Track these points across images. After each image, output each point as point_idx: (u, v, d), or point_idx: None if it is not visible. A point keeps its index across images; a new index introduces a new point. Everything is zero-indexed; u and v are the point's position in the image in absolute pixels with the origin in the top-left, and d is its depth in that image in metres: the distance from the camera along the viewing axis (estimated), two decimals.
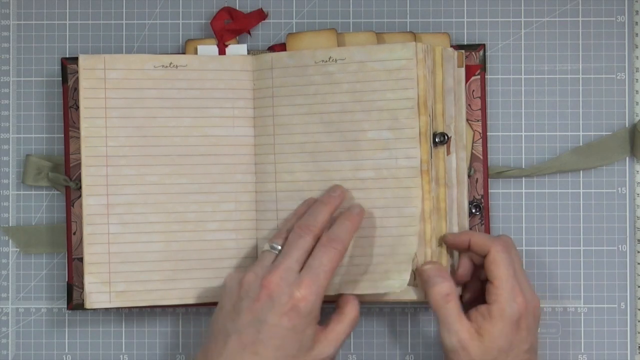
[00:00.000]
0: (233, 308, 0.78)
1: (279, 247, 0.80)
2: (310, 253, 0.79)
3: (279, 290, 0.77)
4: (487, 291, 0.80)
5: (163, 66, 0.86)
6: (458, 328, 0.79)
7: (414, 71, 0.83)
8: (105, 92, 0.86)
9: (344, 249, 0.80)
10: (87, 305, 0.85)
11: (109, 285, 0.85)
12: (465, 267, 0.84)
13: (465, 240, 0.82)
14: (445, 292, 0.80)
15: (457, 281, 0.84)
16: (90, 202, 0.85)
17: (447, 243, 0.84)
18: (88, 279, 0.85)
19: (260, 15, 0.89)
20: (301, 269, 0.78)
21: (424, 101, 0.83)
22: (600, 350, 0.89)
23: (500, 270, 0.80)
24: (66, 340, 0.90)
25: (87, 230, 0.85)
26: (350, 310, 0.81)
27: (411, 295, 0.84)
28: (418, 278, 0.83)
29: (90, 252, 0.85)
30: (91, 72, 0.85)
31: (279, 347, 0.76)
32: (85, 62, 0.85)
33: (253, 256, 0.87)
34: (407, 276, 0.82)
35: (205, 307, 0.89)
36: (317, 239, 0.80)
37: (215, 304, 0.86)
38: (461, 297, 0.85)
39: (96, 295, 0.85)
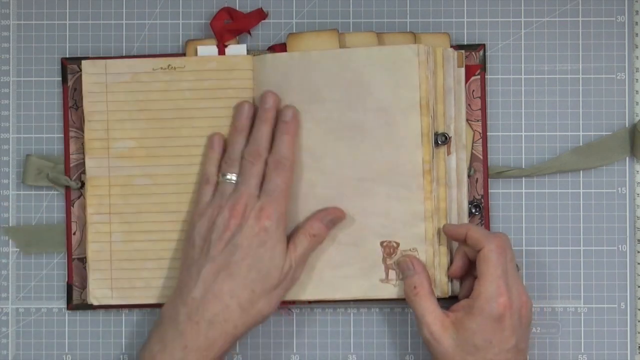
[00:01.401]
0: (204, 240, 0.82)
1: (234, 178, 0.83)
2: (263, 177, 0.82)
3: (246, 215, 0.81)
4: (474, 286, 0.81)
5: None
6: (429, 320, 0.81)
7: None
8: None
9: (292, 163, 0.83)
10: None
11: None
12: (458, 262, 0.84)
13: (462, 232, 0.83)
14: (413, 284, 0.82)
15: (450, 276, 0.85)
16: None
17: (446, 233, 0.84)
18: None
19: (260, 14, 0.89)
20: (259, 192, 0.82)
21: (426, 102, 0.83)
22: (600, 350, 0.89)
23: (488, 268, 0.80)
24: (66, 340, 0.90)
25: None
26: (318, 227, 0.83)
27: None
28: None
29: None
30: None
31: (252, 266, 0.80)
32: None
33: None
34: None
35: None
36: (265, 161, 0.83)
37: None
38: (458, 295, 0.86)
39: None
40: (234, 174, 0.83)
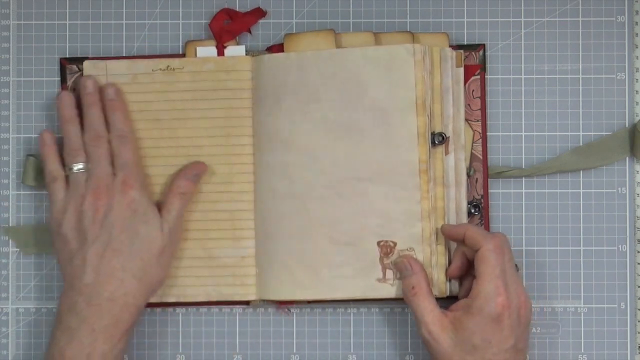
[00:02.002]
0: (77, 232, 0.83)
1: (82, 166, 0.84)
2: (111, 155, 0.84)
3: (110, 193, 0.83)
4: (472, 286, 0.81)
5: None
6: (427, 320, 0.81)
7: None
8: None
9: (132, 134, 0.85)
10: None
11: None
12: (457, 262, 0.84)
13: (460, 232, 0.83)
14: (410, 285, 0.82)
15: (449, 276, 0.85)
16: None
17: (444, 233, 0.84)
18: None
19: (259, 13, 0.89)
20: (113, 170, 0.84)
21: (422, 102, 0.83)
22: (600, 350, 0.89)
23: (486, 267, 0.80)
24: None
25: None
26: (185, 184, 0.85)
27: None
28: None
29: None
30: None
31: (132, 237, 0.82)
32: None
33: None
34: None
35: (205, 307, 0.89)
36: (108, 140, 0.84)
37: (216, 303, 0.86)
38: (457, 295, 0.86)
39: None
40: (81, 163, 0.84)
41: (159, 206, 0.85)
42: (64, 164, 0.85)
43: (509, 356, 0.80)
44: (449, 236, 0.84)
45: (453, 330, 0.80)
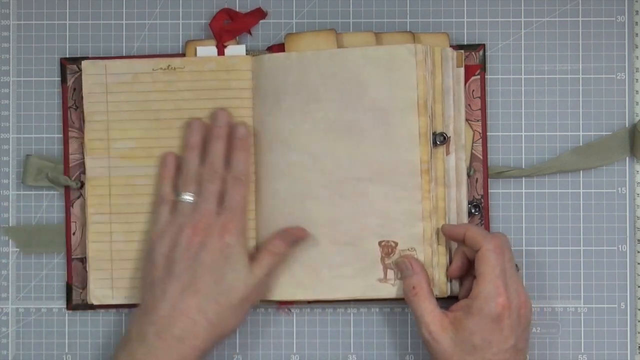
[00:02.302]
0: (166, 259, 0.82)
1: (191, 197, 0.83)
2: (222, 193, 0.83)
3: (209, 232, 0.82)
4: (473, 287, 0.81)
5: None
6: (428, 320, 0.81)
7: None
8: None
9: (249, 179, 0.85)
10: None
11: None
12: (457, 262, 0.84)
13: (461, 232, 0.83)
14: (412, 284, 0.82)
15: (450, 276, 0.85)
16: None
17: (444, 234, 0.84)
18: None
19: (259, 14, 0.89)
20: (218, 209, 0.83)
21: (423, 102, 0.83)
22: (600, 350, 0.89)
23: (486, 268, 0.80)
24: (66, 340, 0.90)
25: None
26: (280, 245, 0.84)
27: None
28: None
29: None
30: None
31: (217, 281, 0.81)
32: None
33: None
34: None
35: None
36: (223, 178, 0.84)
37: None
38: (457, 295, 0.86)
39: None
40: (191, 193, 0.84)
41: (251, 256, 0.84)
42: (175, 188, 0.85)
43: (509, 356, 0.80)
44: (449, 236, 0.84)
45: (453, 330, 0.80)
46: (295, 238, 0.85)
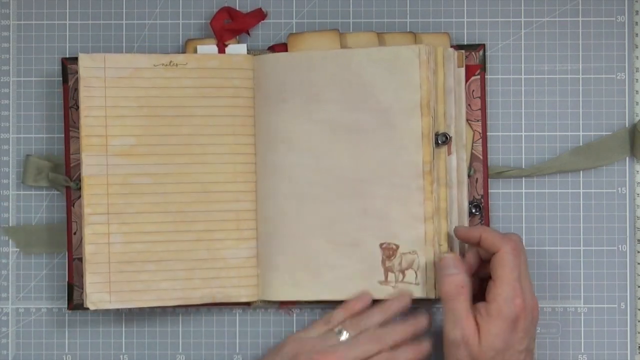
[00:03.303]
0: None
1: (346, 335, 0.82)
2: (367, 359, 0.81)
3: None
4: (488, 289, 0.80)
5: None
6: (465, 323, 0.80)
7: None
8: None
9: None
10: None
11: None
12: (469, 262, 0.84)
13: (476, 235, 0.82)
14: (459, 283, 0.81)
15: None
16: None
17: (459, 236, 0.84)
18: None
19: (259, 14, 0.89)
20: None
21: (427, 103, 0.83)
22: (600, 350, 0.89)
23: (505, 271, 0.80)
24: (66, 340, 0.90)
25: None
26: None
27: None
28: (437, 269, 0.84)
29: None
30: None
31: None
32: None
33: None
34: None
35: (205, 308, 0.89)
36: (380, 352, 0.82)
37: (216, 304, 0.86)
38: None
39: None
40: (349, 334, 0.83)
41: None
42: (344, 322, 0.84)
43: (522, 357, 0.80)
44: (463, 239, 0.84)
45: (478, 335, 0.80)
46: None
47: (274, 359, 0.83)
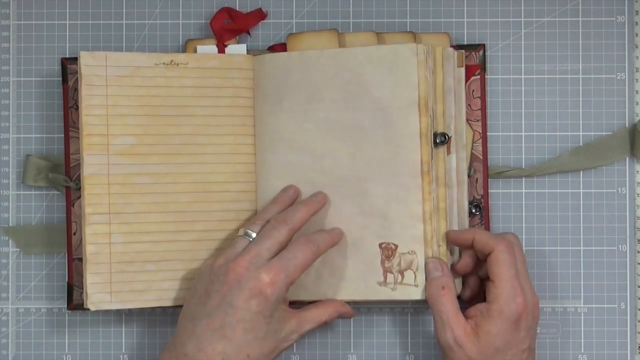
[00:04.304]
0: (205, 291, 0.79)
1: (253, 235, 0.81)
2: (282, 246, 0.80)
3: (247, 274, 0.78)
4: (487, 290, 0.80)
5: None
6: (453, 324, 0.79)
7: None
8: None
9: (318, 254, 0.81)
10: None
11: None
12: (466, 260, 0.84)
13: (468, 238, 0.82)
14: (441, 284, 0.81)
15: (458, 272, 0.84)
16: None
17: (450, 240, 0.84)
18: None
19: (259, 14, 0.89)
20: (272, 258, 0.79)
21: (424, 102, 0.83)
22: (600, 350, 0.89)
23: (501, 270, 0.79)
24: (66, 340, 0.90)
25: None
26: (329, 304, 0.83)
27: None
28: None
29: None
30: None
31: (247, 330, 0.78)
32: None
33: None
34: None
35: None
36: (291, 235, 0.81)
37: None
38: (460, 295, 0.85)
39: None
40: (255, 233, 0.81)
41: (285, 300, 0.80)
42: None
43: (525, 357, 0.80)
44: (455, 242, 0.84)
45: (475, 336, 0.79)
46: (340, 311, 0.84)
47: (189, 300, 0.81)
